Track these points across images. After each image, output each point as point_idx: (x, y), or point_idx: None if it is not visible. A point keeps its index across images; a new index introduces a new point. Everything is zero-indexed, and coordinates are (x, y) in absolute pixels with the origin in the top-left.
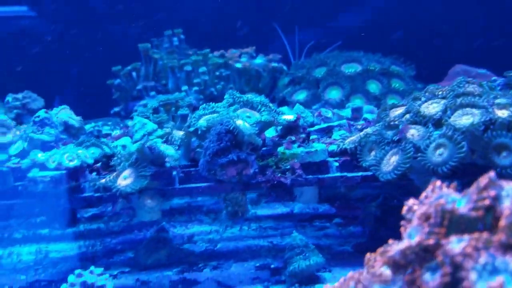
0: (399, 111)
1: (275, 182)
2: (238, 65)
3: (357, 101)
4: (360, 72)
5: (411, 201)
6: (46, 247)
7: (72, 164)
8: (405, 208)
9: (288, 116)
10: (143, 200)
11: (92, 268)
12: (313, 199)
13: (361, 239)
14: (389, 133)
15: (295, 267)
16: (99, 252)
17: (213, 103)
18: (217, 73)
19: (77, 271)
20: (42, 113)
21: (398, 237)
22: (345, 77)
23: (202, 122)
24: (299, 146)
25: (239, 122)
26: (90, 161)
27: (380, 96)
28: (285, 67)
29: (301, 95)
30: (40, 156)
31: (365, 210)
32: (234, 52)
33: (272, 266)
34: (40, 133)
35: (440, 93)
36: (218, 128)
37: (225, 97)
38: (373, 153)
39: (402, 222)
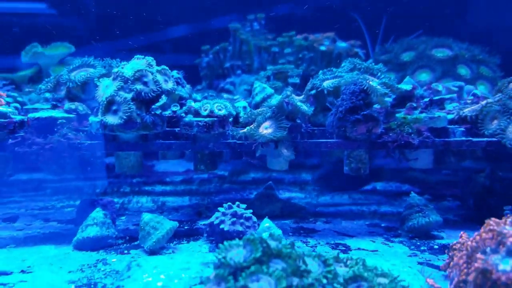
0: None
1: (402, 142)
2: (323, 48)
3: (446, 84)
4: (452, 57)
5: None
6: (159, 198)
7: (221, 112)
8: None
9: (404, 85)
10: (280, 150)
11: (237, 203)
12: (429, 164)
13: (461, 211)
14: None
15: (414, 223)
16: (210, 204)
17: (334, 68)
18: (300, 55)
19: (225, 204)
20: (175, 73)
21: (507, 204)
22: (435, 61)
23: (327, 84)
24: (420, 112)
25: (372, 83)
26: (234, 112)
27: (470, 81)
28: (361, 53)
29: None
30: (194, 104)
31: (471, 181)
32: (317, 36)
33: (383, 225)
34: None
35: None
36: (352, 88)
37: (343, 64)
38: (495, 122)
39: None
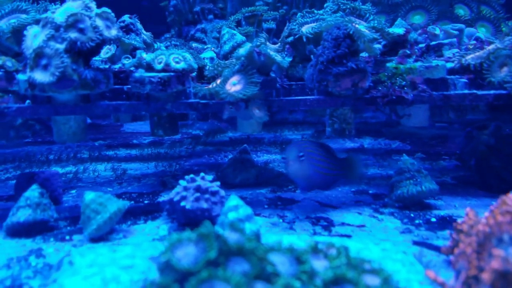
0: None
1: (394, 98)
2: None
3: (444, 27)
4: None
5: None
6: (120, 165)
7: (179, 66)
8: None
9: (395, 29)
10: (251, 110)
11: (202, 174)
12: (424, 121)
13: (461, 173)
14: None
15: (403, 192)
16: (179, 171)
17: (316, 10)
18: None
19: (188, 177)
20: (126, 18)
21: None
22: (431, 1)
23: (307, 29)
24: (415, 61)
25: (358, 27)
26: (195, 65)
27: (469, 23)
28: None
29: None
30: (145, 56)
31: (472, 139)
32: None
33: (371, 191)
34: (127, 39)
35: None
36: (335, 32)
37: (325, 5)
38: (505, 68)
39: None
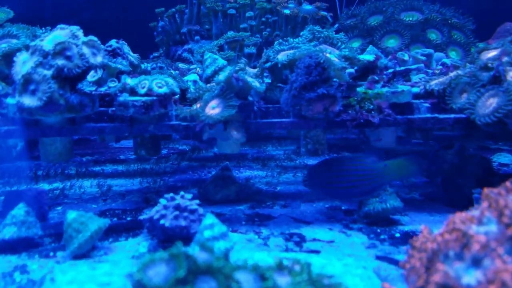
0: (492, 53)
1: (362, 121)
2: (286, 11)
3: (413, 53)
4: (422, 21)
5: None
6: (106, 181)
7: (161, 90)
8: None
9: (366, 56)
10: (229, 131)
11: (182, 193)
12: (391, 143)
13: (429, 189)
14: (485, 74)
15: (369, 209)
16: (162, 187)
17: (291, 39)
18: (263, 19)
19: (168, 195)
20: (113, 43)
21: (475, 185)
22: (404, 26)
23: (282, 57)
24: (383, 86)
25: (329, 56)
26: (177, 89)
27: (441, 46)
28: (329, 17)
29: (355, 44)
30: (129, 81)
31: (438, 158)
32: None
33: (343, 208)
34: (113, 63)
35: None
36: (307, 61)
37: (302, 33)
38: (464, 95)
39: None
